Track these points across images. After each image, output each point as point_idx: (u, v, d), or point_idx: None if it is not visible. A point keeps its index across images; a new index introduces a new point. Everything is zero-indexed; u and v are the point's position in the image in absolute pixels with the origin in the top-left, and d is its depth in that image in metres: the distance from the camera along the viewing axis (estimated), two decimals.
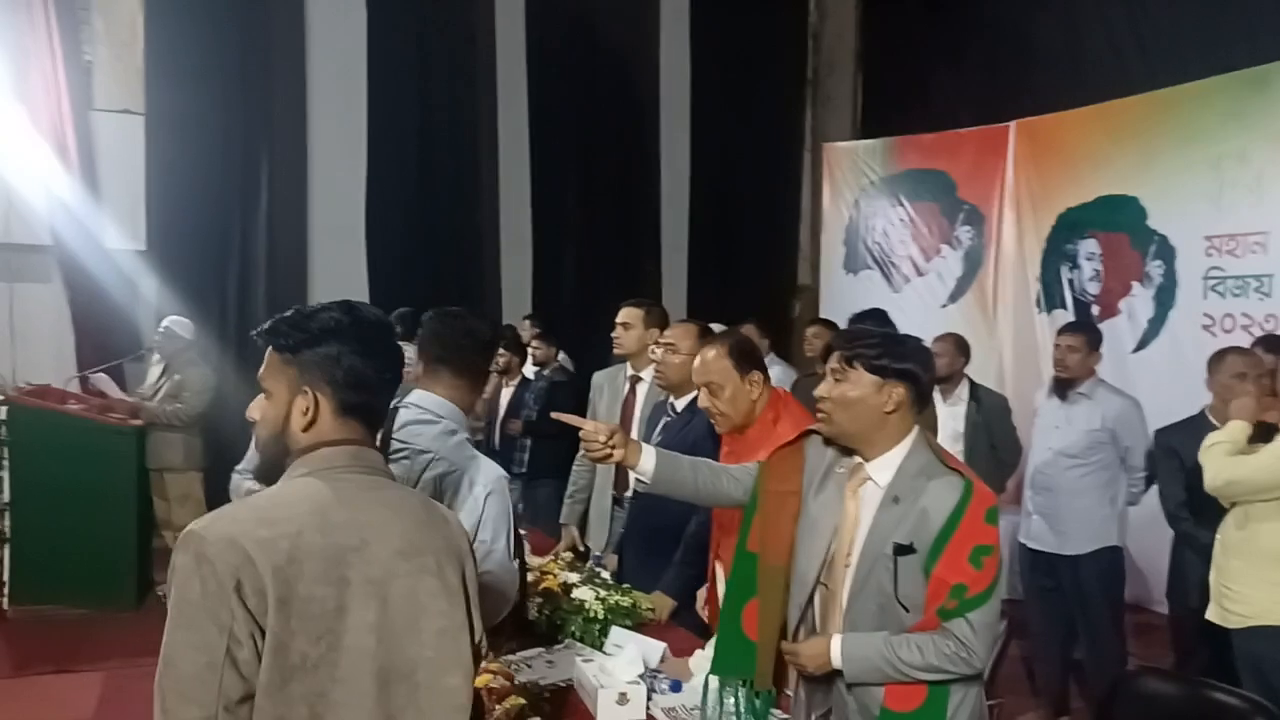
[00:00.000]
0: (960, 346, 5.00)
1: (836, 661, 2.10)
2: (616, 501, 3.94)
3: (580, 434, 2.42)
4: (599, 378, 4.28)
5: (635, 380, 4.04)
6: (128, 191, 7.31)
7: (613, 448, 2.38)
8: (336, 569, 1.38)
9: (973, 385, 4.93)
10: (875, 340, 2.18)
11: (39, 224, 6.97)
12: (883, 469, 2.14)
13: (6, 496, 5.35)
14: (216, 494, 5.39)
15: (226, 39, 7.59)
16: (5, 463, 5.36)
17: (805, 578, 2.22)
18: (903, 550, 2.06)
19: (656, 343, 3.61)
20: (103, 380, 6.23)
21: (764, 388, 2.87)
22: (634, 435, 3.81)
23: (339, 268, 8.10)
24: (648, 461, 2.43)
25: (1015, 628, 3.70)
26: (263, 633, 1.32)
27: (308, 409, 1.49)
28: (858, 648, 2.09)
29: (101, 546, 5.45)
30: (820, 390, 2.20)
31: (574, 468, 4.30)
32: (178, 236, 7.43)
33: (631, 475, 3.77)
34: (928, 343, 2.44)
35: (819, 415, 2.22)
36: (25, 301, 7.10)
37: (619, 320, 4.05)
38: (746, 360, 2.84)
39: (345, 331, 1.51)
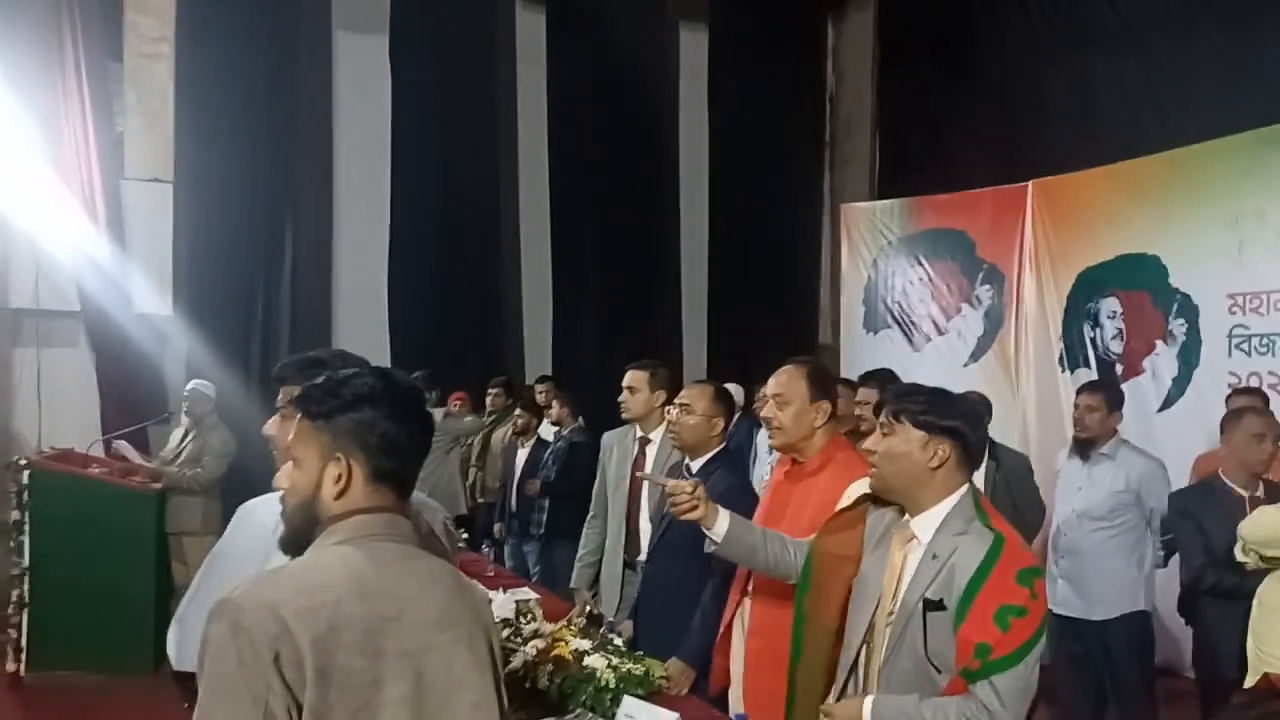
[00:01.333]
0: (985, 407, 4.94)
1: (867, 717, 2.08)
2: (628, 565, 3.90)
3: (667, 489, 2.53)
4: (608, 438, 4.25)
5: (644, 442, 4.01)
6: (156, 257, 7.43)
7: (698, 501, 2.46)
8: (374, 640, 1.36)
9: (993, 444, 4.87)
10: (923, 396, 2.21)
11: (68, 289, 7.09)
12: (926, 526, 2.15)
13: (26, 561, 5.36)
14: None
15: (254, 108, 7.78)
16: (26, 527, 5.38)
17: (852, 637, 2.23)
18: (932, 606, 2.05)
19: (671, 403, 3.59)
20: (124, 445, 6.28)
21: (829, 421, 2.83)
22: (643, 498, 3.80)
23: (362, 330, 8.17)
24: (722, 523, 2.50)
25: (1043, 694, 3.60)
26: (299, 706, 1.29)
27: (340, 476, 1.47)
28: (887, 710, 2.07)
29: (120, 611, 5.42)
30: (868, 443, 2.25)
31: (585, 531, 4.25)
32: (204, 301, 7.55)
33: (643, 538, 3.78)
34: None
35: (870, 469, 2.26)
36: (52, 366, 7.19)
37: (625, 384, 4.02)
38: (820, 387, 2.83)
39: (380, 398, 1.49)
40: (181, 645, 2.00)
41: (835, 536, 2.37)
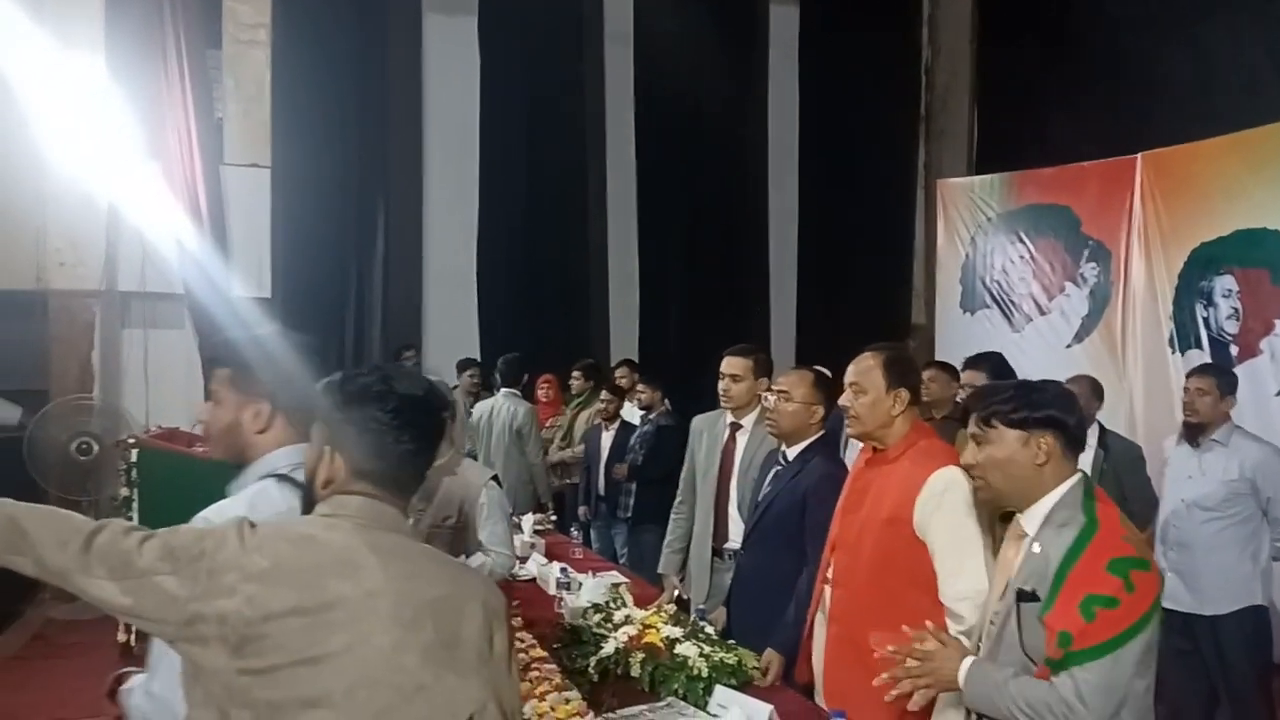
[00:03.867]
0: (1095, 390, 4.74)
1: (962, 680, 2.04)
2: (716, 553, 3.85)
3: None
4: (698, 423, 4.19)
5: (735, 428, 3.95)
6: (254, 242, 7.62)
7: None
8: (302, 594, 1.37)
9: (1102, 431, 4.67)
10: (1009, 394, 2.13)
11: (172, 273, 7.32)
12: (1033, 518, 2.09)
13: None
14: None
15: (347, 95, 7.92)
16: (135, 502, 5.57)
17: (974, 634, 2.22)
18: (1026, 597, 1.99)
19: (769, 390, 3.53)
20: None
21: (908, 408, 2.78)
22: (732, 487, 3.75)
23: (451, 314, 8.30)
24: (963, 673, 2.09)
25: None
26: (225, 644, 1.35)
27: (327, 468, 1.52)
28: (981, 672, 2.03)
29: None
30: (966, 458, 2.18)
31: (672, 516, 4.21)
32: (300, 285, 7.72)
33: (732, 527, 3.75)
34: None
35: (975, 484, 2.20)
36: (159, 347, 7.44)
37: (727, 372, 3.93)
38: (899, 375, 2.77)
39: (372, 400, 1.50)
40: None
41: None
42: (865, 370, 2.79)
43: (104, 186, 7.02)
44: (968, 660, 2.06)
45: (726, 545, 3.80)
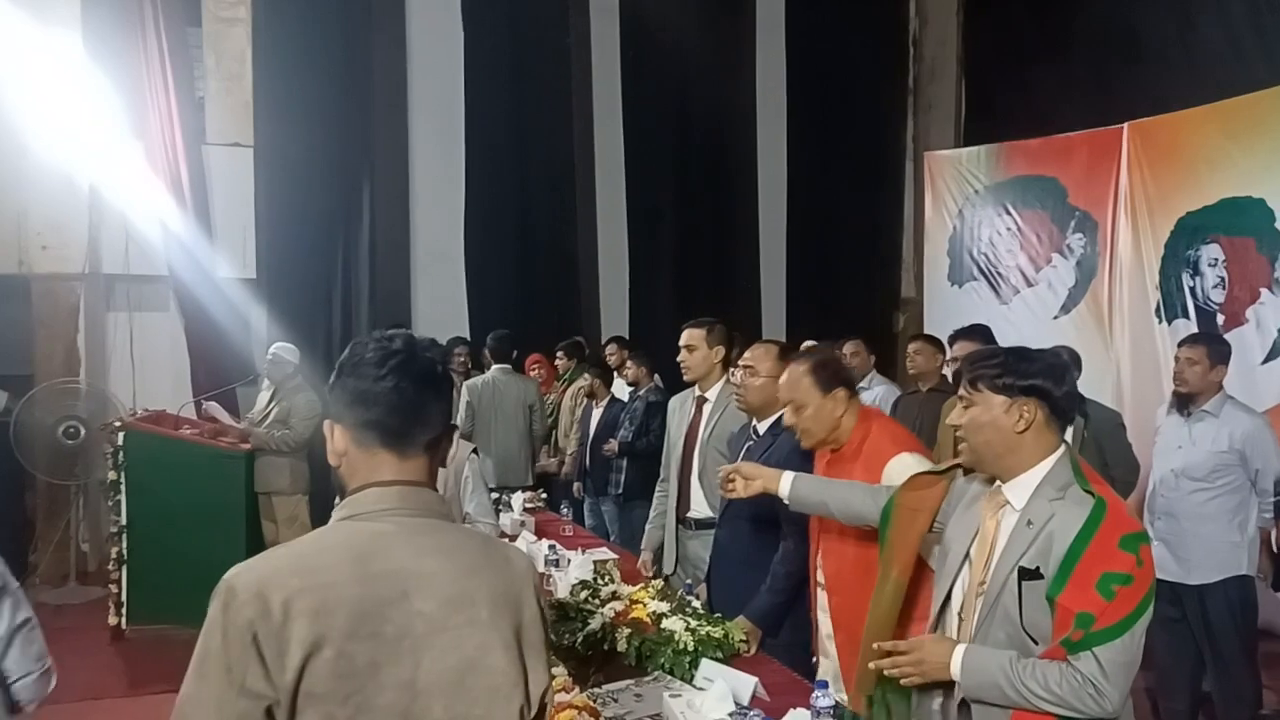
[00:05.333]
0: (1075, 360, 4.77)
1: (955, 670, 2.02)
2: (680, 521, 3.86)
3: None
4: (674, 402, 4.19)
5: (701, 401, 3.95)
6: (238, 222, 7.58)
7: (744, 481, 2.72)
8: (370, 624, 1.29)
9: (1082, 400, 4.69)
10: (998, 359, 2.12)
11: (156, 255, 7.28)
12: (1019, 490, 2.06)
13: (124, 519, 5.55)
14: (323, 516, 5.49)
15: (330, 72, 7.83)
16: (123, 486, 5.56)
17: (940, 606, 2.17)
18: (1028, 575, 1.96)
19: (735, 365, 3.53)
20: (214, 406, 6.44)
21: (849, 404, 2.83)
22: (695, 454, 3.77)
23: (440, 291, 8.26)
24: (785, 486, 2.67)
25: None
26: (288, 690, 1.25)
27: (331, 440, 1.45)
28: (980, 660, 2.00)
29: (213, 567, 5.46)
30: (952, 418, 2.17)
31: (655, 494, 4.21)
32: (285, 265, 7.68)
33: (693, 498, 3.78)
34: None
35: (959, 446, 2.19)
36: (144, 330, 7.42)
37: (683, 344, 3.93)
38: (829, 378, 2.80)
39: (346, 363, 1.43)
40: None
41: (915, 493, 2.34)
42: (795, 383, 2.81)
43: (84, 168, 6.97)
44: (959, 649, 2.03)
45: (690, 514, 3.81)
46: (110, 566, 5.60)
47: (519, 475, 6.61)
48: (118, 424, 5.67)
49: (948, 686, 2.10)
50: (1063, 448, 2.08)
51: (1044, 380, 2.05)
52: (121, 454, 5.56)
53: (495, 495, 4.94)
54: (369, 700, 1.28)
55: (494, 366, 6.78)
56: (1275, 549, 4.16)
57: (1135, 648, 1.90)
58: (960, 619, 2.12)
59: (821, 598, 2.87)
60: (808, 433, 2.81)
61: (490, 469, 6.28)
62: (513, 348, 6.91)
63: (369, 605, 1.30)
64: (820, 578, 2.86)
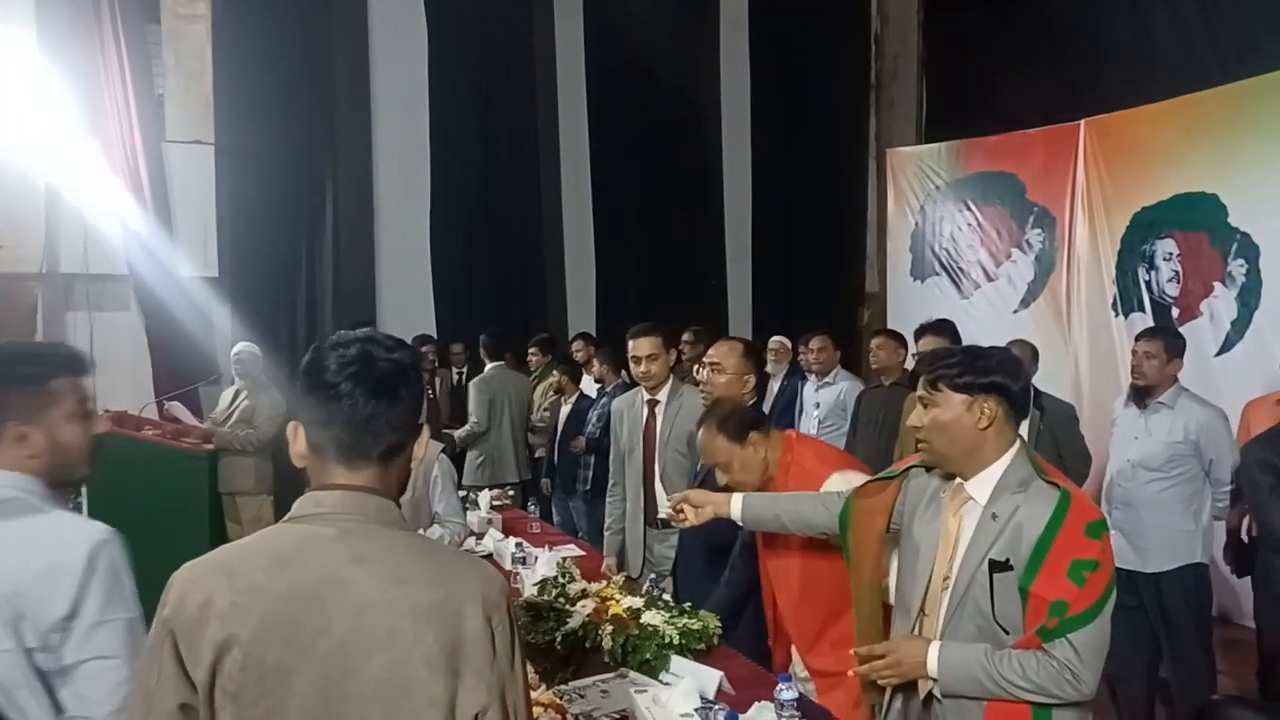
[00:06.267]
0: (1033, 354, 4.86)
1: (933, 667, 2.05)
2: (650, 524, 3.88)
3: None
4: (618, 404, 4.17)
5: (653, 404, 3.96)
6: (199, 220, 7.50)
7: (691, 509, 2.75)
8: (283, 628, 1.27)
9: (1037, 393, 4.78)
10: (956, 358, 2.14)
11: (116, 254, 7.18)
12: (982, 486, 2.10)
13: None
14: None
15: (292, 68, 7.75)
16: (83, 488, 5.48)
17: (909, 606, 2.20)
18: (998, 567, 2.00)
19: (700, 363, 3.54)
20: (177, 406, 6.37)
21: (767, 441, 2.85)
22: (656, 459, 3.79)
23: (405, 290, 8.21)
24: (736, 508, 2.68)
25: None
26: (194, 689, 1.27)
27: (294, 441, 1.43)
28: (956, 655, 2.03)
29: (176, 568, 5.53)
30: (912, 420, 2.18)
31: (608, 500, 4.18)
32: (248, 263, 7.60)
33: (660, 500, 3.79)
34: None
35: (919, 446, 2.20)
36: (104, 330, 7.31)
37: (641, 354, 3.89)
38: (737, 428, 2.82)
39: (301, 370, 1.42)
40: None
41: (869, 500, 2.36)
42: (711, 447, 2.83)
43: (41, 166, 6.86)
44: (934, 646, 2.06)
45: (660, 516, 3.81)
46: None
47: (524, 469, 6.76)
48: None
49: (912, 683, 2.14)
50: (1019, 442, 2.12)
51: (1003, 377, 2.09)
52: None
53: (463, 494, 4.94)
54: (281, 704, 1.27)
55: (491, 365, 6.88)
56: (1245, 538, 4.26)
57: (1105, 631, 1.96)
58: (924, 614, 2.15)
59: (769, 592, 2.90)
60: (742, 484, 2.81)
61: (503, 465, 6.57)
62: (507, 346, 7.02)
63: (283, 608, 1.28)
64: (777, 612, 2.90)
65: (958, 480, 2.15)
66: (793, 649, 2.91)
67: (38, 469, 1.77)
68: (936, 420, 2.10)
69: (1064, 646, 1.92)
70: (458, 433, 6.62)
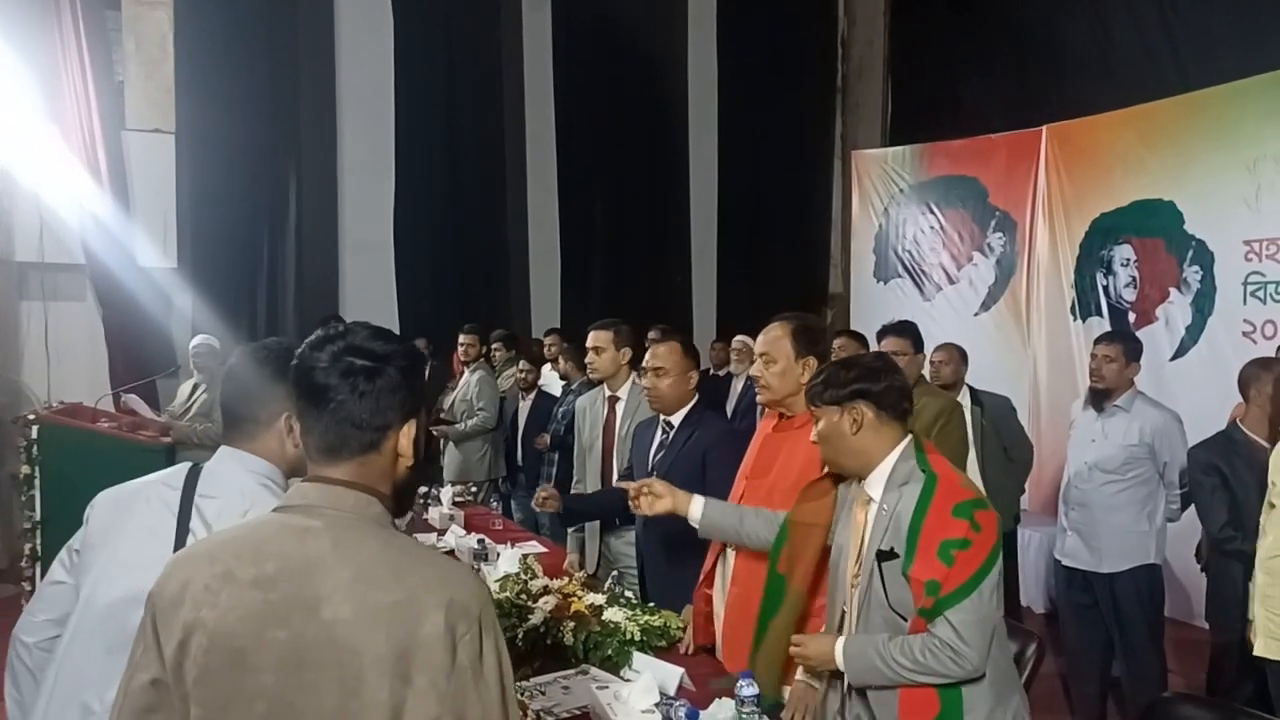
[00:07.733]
0: (962, 354, 4.96)
1: (839, 661, 2.15)
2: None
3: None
4: (581, 402, 4.18)
5: (614, 400, 3.97)
6: (159, 209, 7.39)
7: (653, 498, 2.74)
8: (246, 619, 1.28)
9: (975, 391, 4.88)
10: (822, 375, 2.31)
11: (72, 243, 7.07)
12: (876, 483, 2.22)
13: (38, 515, 5.38)
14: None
15: (255, 57, 7.67)
16: (36, 481, 5.39)
17: (834, 604, 2.30)
18: (885, 556, 2.12)
19: (643, 368, 3.54)
20: (134, 399, 6.28)
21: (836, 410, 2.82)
22: (615, 454, 3.79)
23: (368, 283, 8.15)
24: (696, 509, 2.73)
25: (1051, 643, 3.56)
26: (165, 671, 1.30)
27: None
28: (856, 646, 2.14)
29: None
30: (811, 436, 2.33)
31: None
32: (208, 254, 7.51)
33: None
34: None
35: (824, 460, 2.35)
36: (60, 320, 7.19)
37: (590, 345, 3.96)
38: (807, 344, 2.82)
39: (301, 369, 1.41)
40: None
41: (808, 505, 2.45)
42: (774, 340, 2.84)
43: None
44: (839, 641, 2.16)
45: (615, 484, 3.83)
46: (23, 564, 5.42)
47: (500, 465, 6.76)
48: (31, 416, 5.49)
49: (842, 678, 2.22)
50: (909, 436, 2.23)
51: (861, 383, 2.21)
52: (35, 448, 5.38)
53: (425, 489, 4.92)
54: (238, 692, 1.27)
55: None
56: None
57: (985, 607, 2.03)
58: (846, 612, 2.25)
59: (729, 555, 2.88)
60: (768, 388, 2.82)
61: (499, 457, 6.56)
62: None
63: (247, 596, 1.29)
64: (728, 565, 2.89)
65: (861, 482, 2.27)
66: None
67: (292, 460, 1.84)
68: (820, 434, 2.28)
69: (943, 625, 2.01)
70: (468, 424, 6.48)
